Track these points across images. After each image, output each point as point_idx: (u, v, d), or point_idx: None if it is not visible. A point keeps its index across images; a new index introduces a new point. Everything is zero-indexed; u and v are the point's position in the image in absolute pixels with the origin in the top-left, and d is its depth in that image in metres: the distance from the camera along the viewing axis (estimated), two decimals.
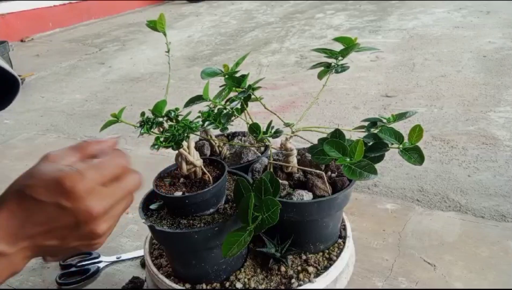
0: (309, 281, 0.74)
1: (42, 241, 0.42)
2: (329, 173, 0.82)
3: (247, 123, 0.78)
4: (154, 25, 0.72)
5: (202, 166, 0.76)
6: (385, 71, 2.80)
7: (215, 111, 0.75)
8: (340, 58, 0.80)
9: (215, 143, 0.95)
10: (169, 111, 0.69)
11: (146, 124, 0.67)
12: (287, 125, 0.80)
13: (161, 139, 0.66)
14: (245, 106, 0.79)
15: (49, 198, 0.41)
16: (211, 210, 0.74)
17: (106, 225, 0.44)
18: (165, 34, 0.74)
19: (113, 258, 1.22)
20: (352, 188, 0.78)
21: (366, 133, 0.77)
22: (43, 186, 0.41)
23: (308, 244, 0.80)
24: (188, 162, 0.74)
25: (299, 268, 0.77)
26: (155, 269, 0.79)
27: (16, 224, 0.41)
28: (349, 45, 0.77)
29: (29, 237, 0.41)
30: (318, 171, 0.79)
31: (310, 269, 0.77)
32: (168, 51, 0.73)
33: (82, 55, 4.04)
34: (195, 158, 0.75)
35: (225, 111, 0.76)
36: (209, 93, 0.75)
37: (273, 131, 0.77)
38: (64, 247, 0.44)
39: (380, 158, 0.72)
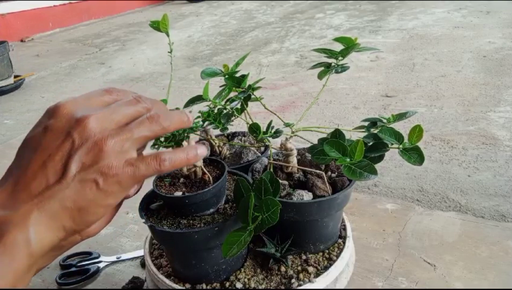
0: (309, 281, 0.74)
1: (41, 186, 0.33)
2: (329, 173, 0.82)
3: (247, 123, 0.78)
4: (157, 26, 0.72)
5: (202, 166, 0.76)
6: (385, 71, 2.80)
7: (215, 111, 0.75)
8: (340, 58, 0.80)
9: (215, 143, 0.95)
10: None
11: None
12: (287, 125, 0.80)
13: (161, 139, 0.66)
14: (245, 106, 0.79)
15: (36, 128, 0.36)
16: (211, 210, 0.74)
17: (116, 140, 0.34)
18: (168, 35, 0.74)
19: (113, 258, 1.22)
20: (352, 188, 0.78)
21: (366, 133, 0.77)
22: (33, 127, 0.37)
23: (308, 244, 0.80)
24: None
25: (299, 268, 0.77)
26: (155, 269, 0.79)
27: (12, 180, 0.34)
28: (349, 45, 0.77)
29: (26, 187, 0.33)
30: (318, 171, 0.79)
31: (310, 269, 0.77)
32: (171, 51, 0.73)
33: (82, 55, 4.04)
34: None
35: (225, 111, 0.76)
36: (209, 93, 0.75)
37: (273, 131, 0.77)
38: (76, 189, 0.33)
39: (380, 158, 0.72)
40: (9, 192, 0.33)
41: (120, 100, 0.38)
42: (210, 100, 0.75)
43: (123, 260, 1.22)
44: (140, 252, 1.23)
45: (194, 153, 0.39)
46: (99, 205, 0.34)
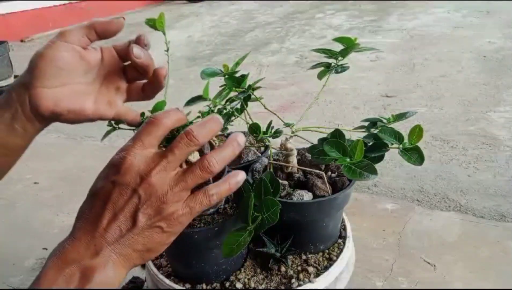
0: (309, 281, 0.74)
1: (115, 235, 0.39)
2: (329, 173, 0.82)
3: (247, 123, 0.78)
4: (153, 24, 0.72)
5: None
6: (385, 71, 2.80)
7: (215, 111, 0.75)
8: (340, 58, 0.80)
9: (215, 143, 0.95)
10: None
11: None
12: (287, 125, 0.80)
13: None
14: (245, 106, 0.79)
15: (103, 181, 0.40)
16: (211, 210, 0.74)
17: (175, 191, 0.41)
18: (164, 33, 0.74)
19: None
20: (352, 188, 0.78)
21: (366, 133, 0.77)
22: (99, 178, 0.42)
23: (308, 244, 0.80)
24: (188, 162, 0.74)
25: (299, 268, 0.77)
26: (155, 269, 0.79)
27: (87, 230, 0.39)
28: (349, 45, 0.76)
29: (102, 236, 0.39)
30: (318, 171, 0.79)
31: (310, 269, 0.77)
32: (167, 50, 0.73)
33: None
34: (195, 158, 0.75)
35: (225, 111, 0.76)
36: (209, 93, 0.75)
37: (273, 131, 0.77)
38: (145, 235, 0.40)
39: (380, 158, 0.72)
40: (86, 242, 0.39)
41: (177, 138, 0.43)
42: (210, 100, 0.75)
43: None
44: None
45: (235, 181, 0.45)
46: (164, 244, 0.43)
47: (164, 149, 0.43)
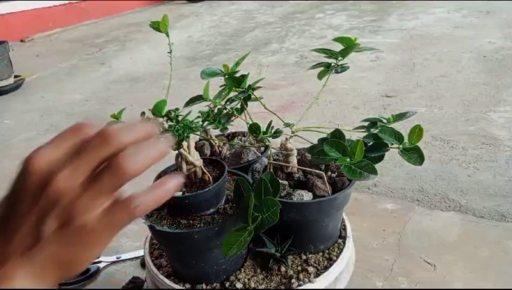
0: (309, 281, 0.74)
1: (21, 246, 0.34)
2: (329, 173, 0.82)
3: (247, 123, 0.78)
4: (157, 26, 0.72)
5: (202, 166, 0.76)
6: (385, 71, 2.80)
7: (215, 111, 0.75)
8: (340, 58, 0.80)
9: (215, 143, 0.95)
10: (169, 111, 0.69)
11: None
12: (287, 125, 0.80)
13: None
14: (245, 106, 0.79)
15: (12, 185, 0.35)
16: (211, 210, 0.74)
17: (86, 199, 0.34)
18: (167, 35, 0.74)
19: (113, 258, 1.22)
20: (352, 188, 0.78)
21: (366, 133, 0.77)
22: (13, 180, 0.36)
23: (308, 244, 0.80)
24: (188, 162, 0.74)
25: (299, 268, 0.77)
26: (155, 269, 0.79)
27: None
28: (349, 45, 0.77)
29: (8, 246, 0.34)
30: (318, 171, 0.79)
31: (310, 269, 0.77)
32: (170, 52, 0.73)
33: (82, 55, 4.04)
34: (195, 158, 0.75)
35: (225, 111, 0.76)
36: (209, 93, 0.75)
37: (273, 131, 0.77)
38: (55, 249, 0.34)
39: (380, 158, 0.72)
40: None
41: (89, 138, 0.36)
42: (210, 100, 0.75)
43: (123, 260, 1.22)
44: (140, 252, 1.23)
45: (163, 190, 0.36)
46: (87, 256, 0.36)
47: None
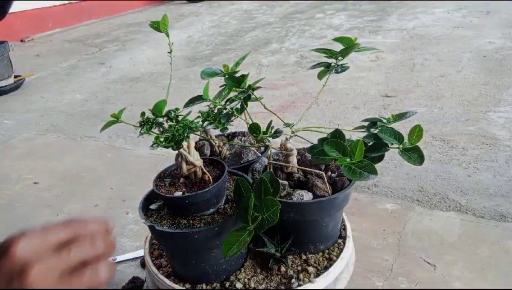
0: (309, 281, 0.74)
1: None
2: (329, 173, 0.82)
3: (247, 123, 0.78)
4: (157, 26, 0.72)
5: (202, 166, 0.76)
6: (385, 71, 2.80)
7: (215, 111, 0.75)
8: (340, 58, 0.80)
9: (215, 143, 0.95)
10: (169, 111, 0.69)
11: (146, 124, 0.67)
12: (287, 125, 0.80)
13: (161, 139, 0.66)
14: (245, 106, 0.79)
15: None
16: (211, 210, 0.74)
17: (41, 272, 0.35)
18: (167, 35, 0.74)
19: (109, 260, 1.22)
20: (352, 188, 0.78)
21: (366, 133, 0.77)
22: None
23: (308, 244, 0.80)
24: (188, 162, 0.74)
25: (299, 268, 0.77)
26: (155, 269, 0.79)
27: None
28: (349, 45, 0.77)
29: None
30: (318, 171, 0.79)
31: (310, 269, 0.77)
32: (170, 52, 0.73)
33: (82, 55, 4.04)
34: (195, 158, 0.75)
35: (225, 111, 0.76)
36: (209, 93, 0.75)
37: (273, 131, 0.77)
38: None
39: (380, 158, 0.72)
40: None
41: (78, 237, 0.39)
42: (210, 100, 0.75)
43: (124, 261, 1.22)
44: (140, 252, 1.23)
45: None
46: None
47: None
